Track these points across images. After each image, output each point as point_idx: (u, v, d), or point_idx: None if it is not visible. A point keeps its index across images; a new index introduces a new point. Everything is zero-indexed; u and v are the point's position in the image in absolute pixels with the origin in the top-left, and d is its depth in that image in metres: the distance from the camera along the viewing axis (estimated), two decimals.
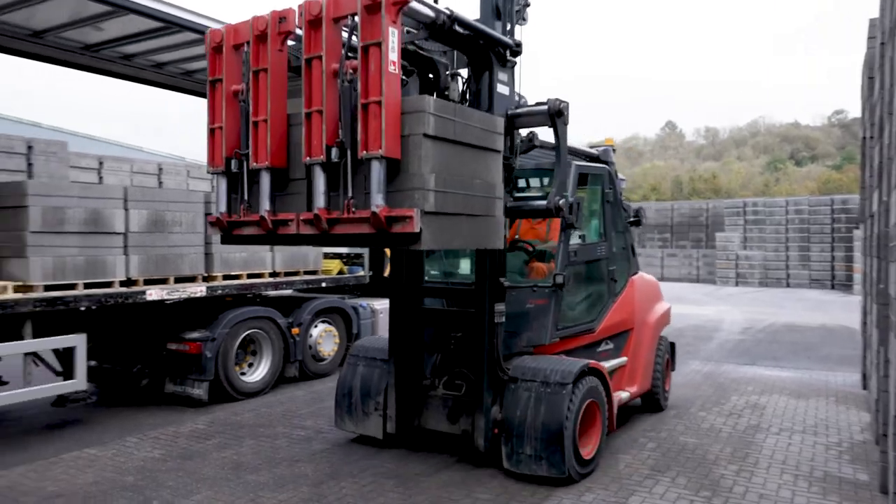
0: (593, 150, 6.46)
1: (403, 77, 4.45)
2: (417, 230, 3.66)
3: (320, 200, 3.94)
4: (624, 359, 6.34)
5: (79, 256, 6.07)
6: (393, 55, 3.67)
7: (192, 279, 7.04)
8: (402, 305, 5.58)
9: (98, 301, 6.15)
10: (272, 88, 4.12)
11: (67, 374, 6.18)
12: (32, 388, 5.87)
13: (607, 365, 5.72)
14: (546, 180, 6.48)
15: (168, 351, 7.08)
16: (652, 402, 6.91)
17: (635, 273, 6.72)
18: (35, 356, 5.98)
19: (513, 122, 4.94)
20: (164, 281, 6.80)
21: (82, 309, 6.13)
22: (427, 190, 3.72)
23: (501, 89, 4.86)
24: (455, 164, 3.98)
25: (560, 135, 4.89)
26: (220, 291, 7.27)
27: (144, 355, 7.31)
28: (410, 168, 3.75)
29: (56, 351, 6.21)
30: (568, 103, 4.89)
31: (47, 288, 5.83)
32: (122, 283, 6.43)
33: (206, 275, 7.20)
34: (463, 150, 4.06)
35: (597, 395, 5.23)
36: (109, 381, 7.65)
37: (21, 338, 5.75)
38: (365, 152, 3.70)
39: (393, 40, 3.66)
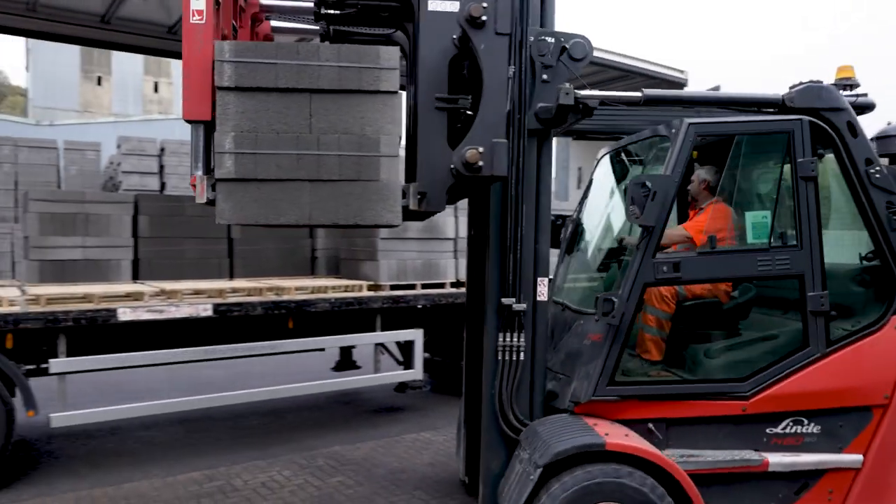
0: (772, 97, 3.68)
1: None
2: (204, 200, 3.08)
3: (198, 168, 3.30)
4: (853, 458, 3.61)
5: (417, 260, 6.84)
6: (197, 4, 3.10)
7: None
8: (473, 322, 4.25)
9: (432, 300, 6.80)
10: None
11: (407, 364, 6.93)
12: (380, 374, 6.77)
13: (778, 460, 3.50)
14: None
15: None
16: None
17: None
18: (382, 347, 6.87)
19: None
20: None
21: (419, 307, 6.82)
22: (223, 153, 3.04)
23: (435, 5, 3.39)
24: (286, 118, 3.12)
25: (484, 64, 3.29)
26: None
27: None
28: (217, 129, 3.09)
29: (398, 343, 7.02)
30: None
31: (392, 287, 6.68)
32: (452, 285, 7.05)
33: None
34: (301, 99, 3.14)
35: (620, 494, 3.16)
36: (441, 373, 8.39)
37: (373, 330, 6.67)
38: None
39: None
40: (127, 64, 34.01)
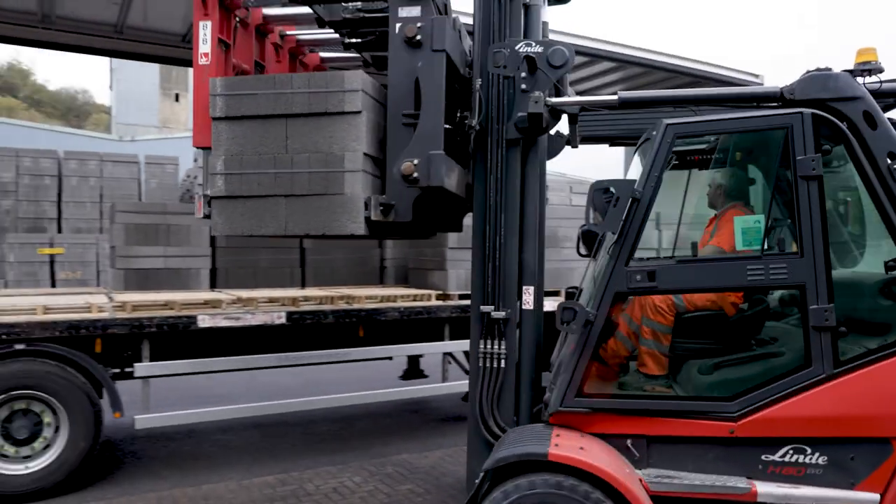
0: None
1: None
2: (202, 215, 3.64)
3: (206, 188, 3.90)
4: (867, 496, 3.12)
5: None
6: (204, 48, 3.73)
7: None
8: None
9: None
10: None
11: None
12: (447, 383, 6.78)
13: (770, 490, 3.12)
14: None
15: None
16: None
17: None
18: (450, 356, 6.89)
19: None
20: (556, 293, 7.21)
21: None
22: (215, 174, 3.57)
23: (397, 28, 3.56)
24: (266, 141, 3.55)
25: (421, 80, 3.44)
26: None
27: None
28: (212, 154, 3.63)
29: (465, 352, 7.04)
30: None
31: (461, 297, 6.69)
32: None
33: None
34: (278, 124, 3.55)
35: None
36: None
37: (441, 339, 6.69)
38: None
39: (204, 33, 3.71)
40: None
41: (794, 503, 3.12)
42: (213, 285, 6.76)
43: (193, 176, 14.00)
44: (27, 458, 4.94)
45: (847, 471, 3.13)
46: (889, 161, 3.09)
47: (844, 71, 3.25)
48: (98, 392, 5.18)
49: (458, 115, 3.83)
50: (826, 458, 3.14)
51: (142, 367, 5.30)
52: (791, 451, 3.19)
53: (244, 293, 5.96)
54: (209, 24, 3.76)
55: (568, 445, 3.15)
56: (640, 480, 3.17)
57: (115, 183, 13.37)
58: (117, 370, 5.40)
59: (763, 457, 3.20)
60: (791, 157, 3.16)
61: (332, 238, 3.77)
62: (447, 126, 3.58)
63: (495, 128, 3.62)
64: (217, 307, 5.58)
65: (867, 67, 3.26)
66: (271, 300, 5.80)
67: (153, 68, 33.82)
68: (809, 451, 3.17)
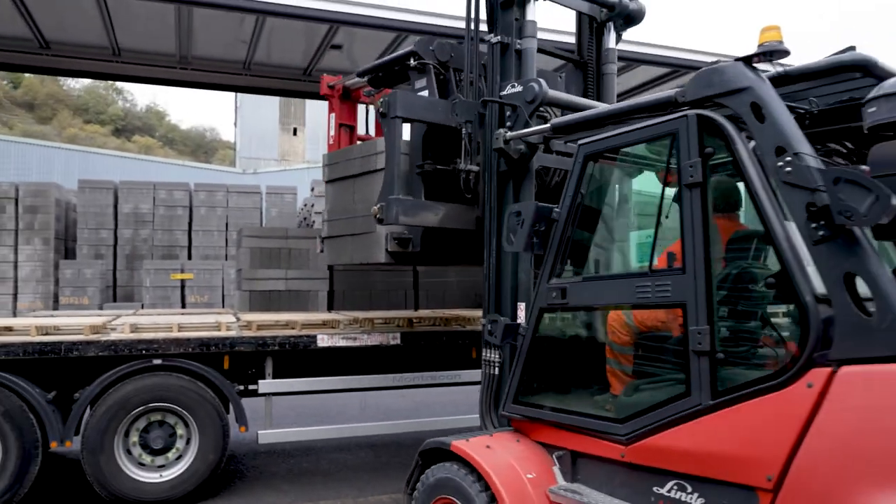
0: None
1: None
2: (319, 251, 5.52)
3: None
4: None
5: None
6: (331, 133, 5.91)
7: None
8: None
9: None
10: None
11: None
12: None
13: None
14: None
15: None
16: None
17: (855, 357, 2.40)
18: None
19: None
20: None
21: None
22: (325, 221, 5.32)
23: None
24: (343, 195, 5.09)
25: (386, 140, 4.50)
26: None
27: None
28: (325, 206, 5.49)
29: None
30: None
31: None
32: None
33: None
34: (347, 182, 5.06)
35: (456, 492, 3.43)
36: None
37: None
38: None
39: (331, 122, 5.93)
40: (319, 114, 37.12)
41: None
42: (331, 307, 6.98)
43: (311, 204, 14.65)
44: (161, 467, 5.24)
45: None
46: (777, 157, 2.56)
47: (738, 59, 2.82)
48: (224, 407, 5.44)
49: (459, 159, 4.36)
50: (703, 500, 2.74)
51: (266, 384, 5.53)
52: (675, 487, 2.84)
53: (360, 314, 6.11)
54: (334, 115, 5.61)
55: (477, 443, 3.47)
56: (547, 492, 3.25)
57: (239, 212, 14.18)
58: (241, 387, 5.66)
59: (654, 488, 2.92)
60: (678, 164, 2.87)
61: (372, 265, 5.25)
62: (450, 168, 4.38)
63: (488, 164, 4.03)
64: (335, 327, 5.74)
65: (769, 49, 2.77)
66: (387, 321, 5.91)
67: (273, 105, 35.87)
68: (689, 489, 2.79)
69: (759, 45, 2.81)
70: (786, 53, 2.78)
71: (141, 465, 5.20)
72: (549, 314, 3.51)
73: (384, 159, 4.41)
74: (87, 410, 5.09)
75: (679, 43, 7.22)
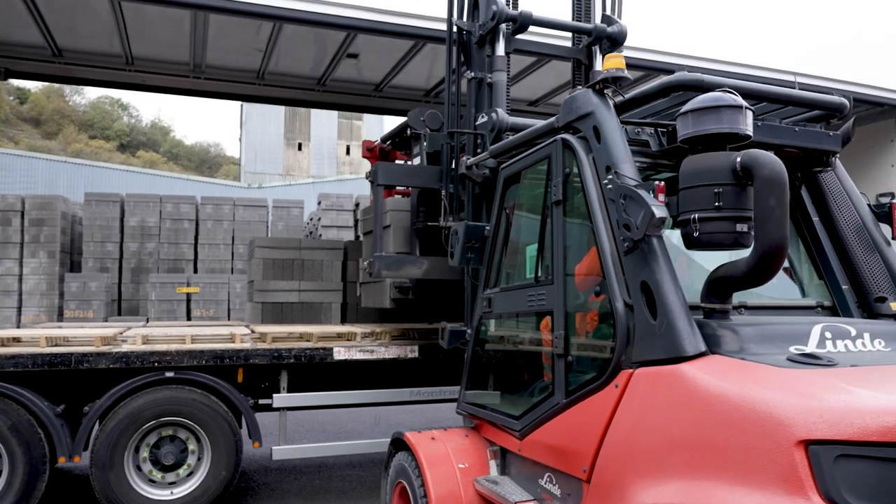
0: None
1: None
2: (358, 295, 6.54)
3: None
4: None
5: None
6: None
7: None
8: None
9: None
10: None
11: None
12: None
13: None
14: None
15: None
16: None
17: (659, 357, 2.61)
18: None
19: None
20: None
21: None
22: (361, 269, 6.29)
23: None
24: (368, 247, 5.95)
25: (375, 207, 5.39)
26: None
27: None
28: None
29: None
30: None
31: None
32: None
33: None
34: (369, 236, 6.03)
35: (405, 477, 3.90)
36: None
37: None
38: None
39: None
40: (324, 130, 37.22)
41: None
42: (344, 319, 6.83)
43: (318, 218, 14.56)
44: (172, 484, 5.06)
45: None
46: (607, 175, 2.84)
47: (587, 86, 3.17)
48: (237, 422, 5.27)
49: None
50: (560, 491, 3.07)
51: (280, 398, 5.36)
52: (548, 479, 3.17)
53: (377, 327, 5.96)
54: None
55: (425, 435, 3.93)
56: (475, 481, 3.62)
57: (245, 226, 14.08)
58: (254, 401, 5.49)
59: (538, 479, 3.25)
60: (551, 181, 3.25)
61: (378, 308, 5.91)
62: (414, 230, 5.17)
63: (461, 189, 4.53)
64: (351, 339, 5.59)
65: (611, 76, 3.03)
66: (403, 333, 5.75)
67: (278, 120, 35.87)
68: (554, 480, 3.12)
69: (605, 72, 3.08)
70: (626, 80, 3.06)
71: (151, 481, 5.02)
72: (484, 321, 3.93)
73: (388, 217, 5.24)
74: (97, 425, 4.93)
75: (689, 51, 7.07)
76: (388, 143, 6.53)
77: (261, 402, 5.47)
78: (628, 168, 2.79)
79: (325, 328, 5.89)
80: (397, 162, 6.59)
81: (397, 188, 5.88)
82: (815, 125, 3.48)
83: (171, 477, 5.06)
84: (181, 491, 5.04)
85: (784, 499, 1.97)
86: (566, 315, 3.05)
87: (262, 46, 6.77)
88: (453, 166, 4.67)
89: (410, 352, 5.55)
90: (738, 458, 2.11)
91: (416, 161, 5.44)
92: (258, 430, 5.21)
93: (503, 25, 4.46)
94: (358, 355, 5.42)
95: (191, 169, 45.83)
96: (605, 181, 2.83)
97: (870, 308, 3.16)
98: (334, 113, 36.04)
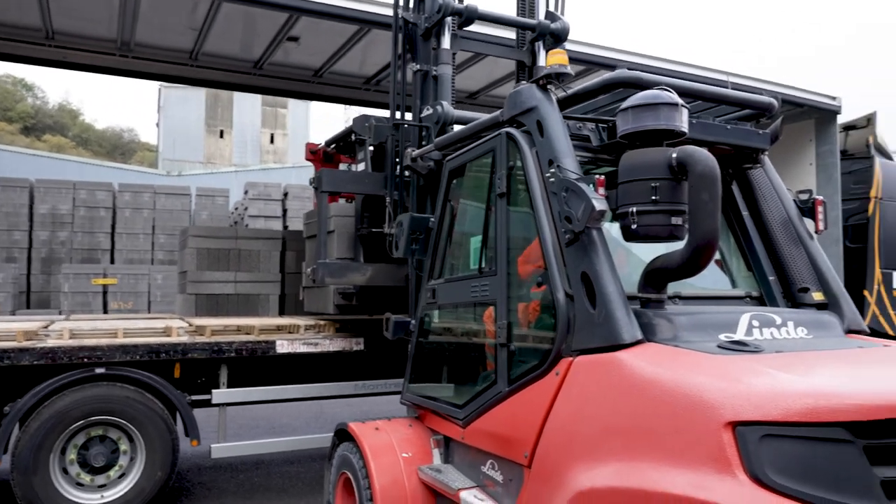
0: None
1: None
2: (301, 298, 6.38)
3: None
4: None
5: None
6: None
7: None
8: None
9: None
10: None
11: None
12: None
13: (468, 499, 3.19)
14: None
15: None
16: None
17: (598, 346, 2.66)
18: None
19: None
20: None
21: None
22: (304, 273, 6.40)
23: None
24: (312, 253, 6.06)
25: (320, 213, 5.37)
26: None
27: None
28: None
29: None
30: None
31: None
32: None
33: None
34: (311, 241, 6.10)
35: (350, 468, 3.91)
36: None
37: None
38: None
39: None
40: (247, 116, 36.10)
41: None
42: (282, 311, 6.62)
43: (244, 207, 14.10)
44: (102, 486, 4.76)
45: (508, 494, 3.08)
46: (549, 169, 2.91)
47: (531, 81, 3.24)
48: (173, 419, 5.00)
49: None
50: (502, 477, 3.14)
51: (220, 394, 5.13)
52: (490, 465, 3.23)
53: (321, 319, 5.79)
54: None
55: (369, 425, 3.94)
56: (419, 469, 3.64)
57: (167, 215, 13.48)
58: (192, 397, 5.23)
59: (481, 466, 3.31)
60: (494, 173, 3.29)
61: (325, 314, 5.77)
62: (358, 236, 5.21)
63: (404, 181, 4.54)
64: (294, 332, 5.41)
65: (554, 72, 3.08)
66: (349, 325, 5.61)
67: (199, 106, 34.56)
68: (496, 467, 3.18)
69: (548, 67, 3.12)
70: (569, 76, 3.10)
71: (79, 485, 4.70)
72: (427, 311, 3.92)
73: (332, 223, 5.22)
74: (17, 426, 4.57)
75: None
76: (332, 146, 6.42)
77: (198, 398, 5.23)
78: (570, 162, 2.87)
79: (265, 320, 5.68)
80: (341, 166, 6.51)
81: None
82: (746, 123, 3.61)
83: (101, 479, 4.76)
84: (112, 494, 4.75)
85: (713, 477, 2.05)
86: (509, 305, 3.10)
87: (197, 25, 6.43)
88: (398, 159, 4.60)
89: (356, 344, 5.42)
90: (671, 440, 2.20)
91: (361, 165, 5.33)
92: (196, 427, 4.97)
93: (449, 19, 4.44)
94: (302, 348, 5.24)
95: (102, 155, 43.51)
96: (548, 174, 2.90)
97: (794, 298, 3.31)
98: (258, 99, 35.03)
